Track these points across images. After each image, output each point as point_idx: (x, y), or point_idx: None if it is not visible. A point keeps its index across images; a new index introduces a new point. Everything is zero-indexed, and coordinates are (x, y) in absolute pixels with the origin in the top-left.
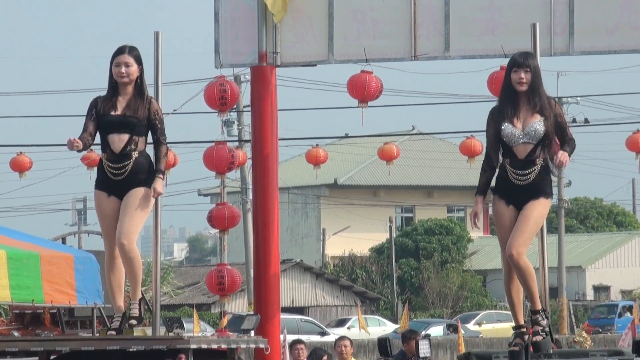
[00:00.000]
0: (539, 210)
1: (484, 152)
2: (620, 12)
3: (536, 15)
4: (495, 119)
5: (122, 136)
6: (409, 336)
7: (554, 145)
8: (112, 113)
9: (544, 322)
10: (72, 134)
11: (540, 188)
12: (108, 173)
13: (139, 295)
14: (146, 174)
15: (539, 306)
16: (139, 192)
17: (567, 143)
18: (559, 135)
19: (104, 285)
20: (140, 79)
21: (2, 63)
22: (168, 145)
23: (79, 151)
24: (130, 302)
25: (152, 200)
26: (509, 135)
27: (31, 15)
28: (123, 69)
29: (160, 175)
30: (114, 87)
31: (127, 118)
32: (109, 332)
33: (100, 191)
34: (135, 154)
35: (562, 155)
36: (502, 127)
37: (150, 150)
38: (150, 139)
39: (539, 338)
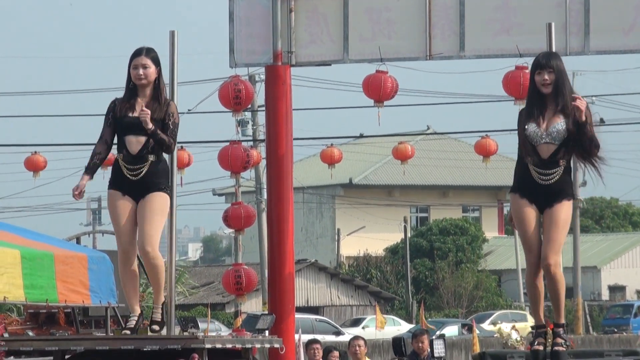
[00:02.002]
0: (565, 213)
1: (498, 151)
2: (636, 11)
3: (551, 15)
4: (522, 120)
5: (140, 138)
6: (418, 335)
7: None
8: (130, 114)
9: (565, 337)
10: (86, 133)
11: (563, 189)
12: (124, 173)
13: (162, 300)
14: (162, 178)
15: (563, 320)
16: (156, 197)
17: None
18: (578, 134)
19: (118, 285)
20: (158, 81)
21: (17, 63)
22: (183, 146)
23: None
24: (152, 306)
25: (168, 204)
26: (532, 134)
27: (43, 14)
28: (141, 71)
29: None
30: (132, 89)
31: (137, 120)
32: (123, 332)
33: (114, 190)
34: (151, 157)
35: (579, 101)
36: (526, 127)
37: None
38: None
39: (560, 348)
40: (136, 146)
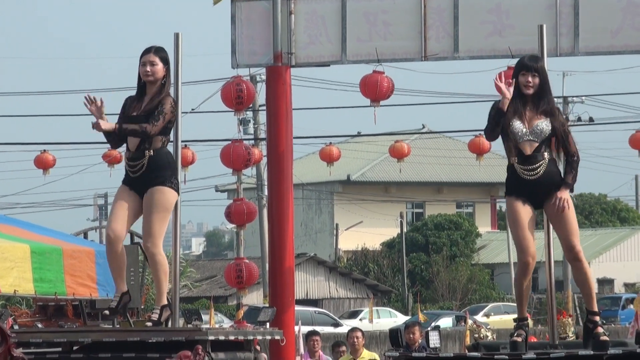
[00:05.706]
0: (568, 197)
1: (491, 149)
2: (624, 14)
3: (542, 17)
4: (503, 112)
5: None
6: (410, 326)
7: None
8: (134, 113)
9: (604, 327)
10: (94, 132)
11: (555, 181)
12: (127, 170)
13: (163, 302)
14: (163, 171)
15: (596, 308)
16: (156, 192)
17: (571, 164)
18: (562, 145)
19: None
20: (165, 79)
21: (26, 63)
22: (187, 144)
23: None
24: (154, 306)
25: (173, 198)
26: (516, 131)
27: (52, 14)
28: (148, 68)
29: (116, 126)
30: (142, 86)
31: (140, 117)
32: (103, 312)
33: (124, 185)
34: (149, 152)
35: (561, 200)
36: (512, 122)
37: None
38: (171, 137)
39: (605, 338)
40: (134, 142)
